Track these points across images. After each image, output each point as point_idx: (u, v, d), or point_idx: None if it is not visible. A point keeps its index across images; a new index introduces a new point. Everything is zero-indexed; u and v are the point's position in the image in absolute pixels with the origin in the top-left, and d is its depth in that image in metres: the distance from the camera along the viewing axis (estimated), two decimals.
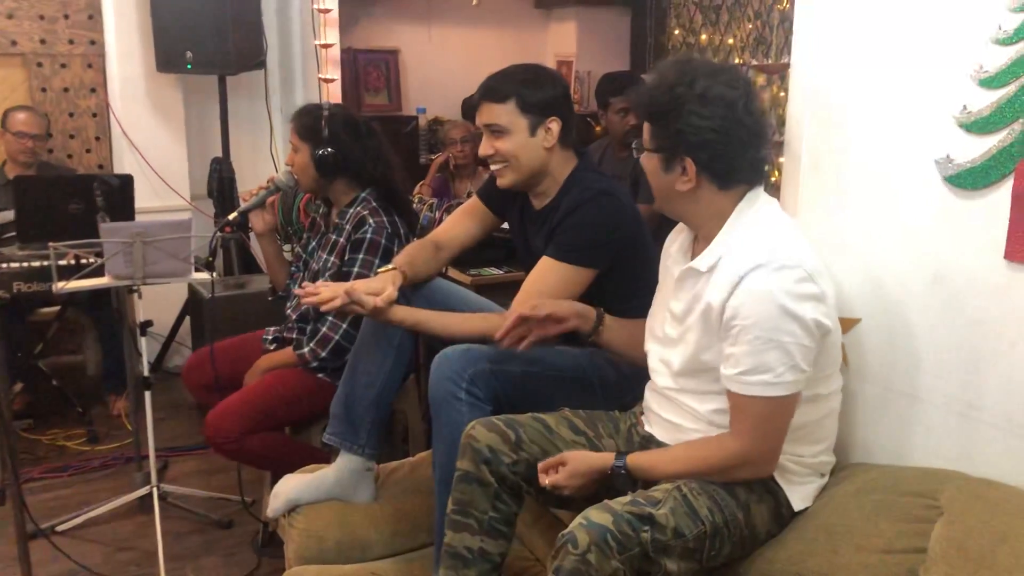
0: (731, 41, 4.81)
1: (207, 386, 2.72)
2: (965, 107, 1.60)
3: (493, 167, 2.17)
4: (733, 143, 1.62)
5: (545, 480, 1.69)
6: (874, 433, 1.81)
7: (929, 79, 1.66)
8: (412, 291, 2.17)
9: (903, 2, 1.70)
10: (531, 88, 2.10)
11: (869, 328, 1.81)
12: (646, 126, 1.71)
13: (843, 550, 1.56)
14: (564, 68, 5.58)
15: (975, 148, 1.59)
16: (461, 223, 2.37)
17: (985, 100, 1.56)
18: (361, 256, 2.51)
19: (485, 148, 2.15)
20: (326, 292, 2.02)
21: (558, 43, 5.75)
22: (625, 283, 2.06)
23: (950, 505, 1.52)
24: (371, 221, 2.55)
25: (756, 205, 1.67)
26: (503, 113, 2.11)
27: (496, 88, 2.12)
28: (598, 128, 5.15)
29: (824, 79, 1.85)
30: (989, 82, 1.56)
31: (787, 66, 1.94)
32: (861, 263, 1.81)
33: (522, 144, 2.11)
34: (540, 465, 1.73)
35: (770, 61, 3.23)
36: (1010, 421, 1.57)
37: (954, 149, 1.62)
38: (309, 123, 2.64)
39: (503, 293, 3.09)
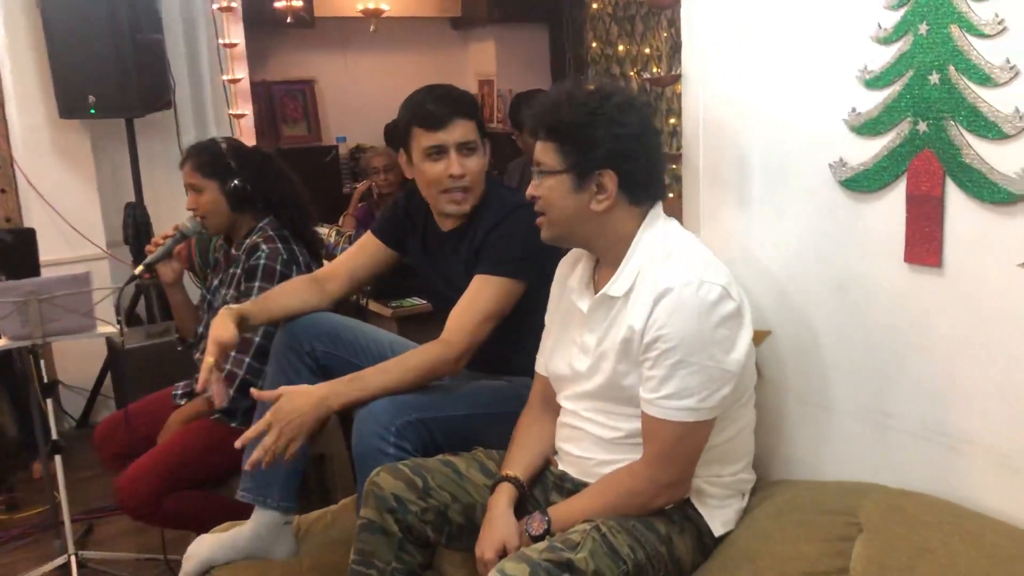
0: (647, 51, 4.80)
1: (122, 455, 2.57)
2: (854, 109, 1.56)
3: (459, 190, 2.03)
4: (654, 151, 1.61)
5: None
6: (792, 447, 1.77)
7: (819, 82, 1.62)
8: (302, 329, 2.08)
9: (787, 6, 1.66)
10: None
11: (780, 339, 1.76)
12: (551, 146, 1.61)
13: None
14: (486, 88, 5.55)
15: (867, 150, 1.55)
16: (352, 258, 2.28)
17: (872, 101, 1.53)
18: (257, 284, 2.40)
19: (457, 168, 2.01)
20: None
21: (478, 63, 5.71)
22: (546, 300, 1.94)
23: (869, 521, 1.47)
24: (264, 247, 2.45)
25: (657, 224, 1.63)
26: (475, 130, 2.05)
27: (469, 102, 2.07)
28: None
29: (715, 89, 1.81)
30: (874, 82, 1.52)
31: (678, 78, 1.89)
32: (767, 274, 1.77)
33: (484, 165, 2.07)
34: (477, 552, 1.64)
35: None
36: (924, 427, 1.53)
37: (847, 152, 1.59)
38: (209, 159, 2.56)
39: (426, 323, 3.02)
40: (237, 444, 1.85)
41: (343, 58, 5.38)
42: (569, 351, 1.71)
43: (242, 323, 2.02)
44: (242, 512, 2.33)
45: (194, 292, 3.02)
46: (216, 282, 2.66)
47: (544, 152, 1.63)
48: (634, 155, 1.58)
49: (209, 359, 1.94)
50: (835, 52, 1.58)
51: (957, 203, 1.44)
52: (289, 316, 2.10)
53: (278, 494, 2.08)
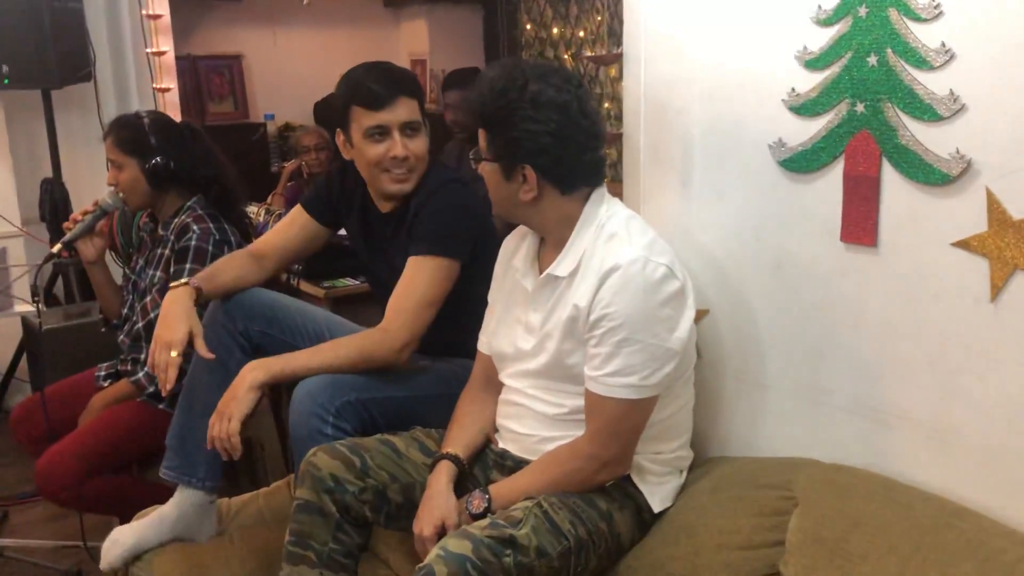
0: (582, 34, 4.80)
1: (40, 438, 2.46)
2: (793, 89, 1.58)
3: (402, 171, 1.97)
4: (571, 147, 1.56)
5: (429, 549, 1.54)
6: (729, 425, 1.79)
7: (759, 62, 1.64)
8: (238, 307, 2.01)
9: None
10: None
11: (718, 318, 1.78)
12: (482, 133, 1.62)
13: (704, 550, 1.53)
14: (418, 67, 5.48)
15: (805, 131, 1.57)
16: (283, 232, 2.21)
17: (811, 82, 1.55)
18: (188, 266, 2.32)
19: (400, 150, 1.95)
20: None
21: (410, 42, 5.64)
22: (483, 280, 1.91)
23: (804, 494, 1.50)
24: (195, 228, 2.37)
25: (603, 205, 1.62)
26: (418, 110, 1.98)
27: (412, 81, 2.00)
28: None
29: (657, 69, 1.81)
30: (814, 63, 1.54)
31: (619, 56, 1.89)
32: (706, 253, 1.79)
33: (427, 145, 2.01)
34: (415, 529, 1.63)
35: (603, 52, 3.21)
36: (857, 403, 1.57)
37: (786, 133, 1.61)
38: (130, 135, 2.45)
39: (359, 305, 2.97)
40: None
41: (272, 34, 5.25)
42: (513, 330, 1.70)
43: (199, 301, 1.95)
44: (165, 496, 2.26)
45: (116, 271, 2.91)
46: (142, 262, 2.57)
47: (480, 137, 1.63)
48: (548, 150, 1.54)
49: (175, 356, 1.85)
50: (776, 33, 1.60)
51: (893, 183, 1.47)
52: (235, 291, 2.03)
53: (203, 472, 2.02)
